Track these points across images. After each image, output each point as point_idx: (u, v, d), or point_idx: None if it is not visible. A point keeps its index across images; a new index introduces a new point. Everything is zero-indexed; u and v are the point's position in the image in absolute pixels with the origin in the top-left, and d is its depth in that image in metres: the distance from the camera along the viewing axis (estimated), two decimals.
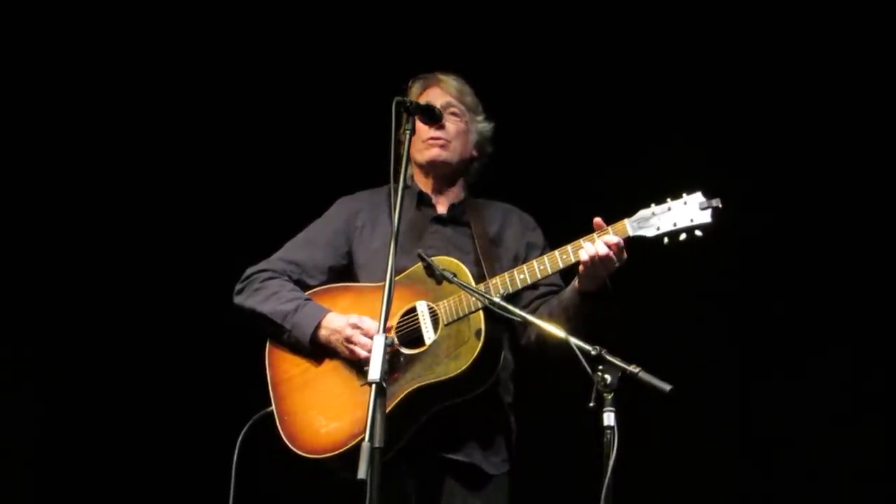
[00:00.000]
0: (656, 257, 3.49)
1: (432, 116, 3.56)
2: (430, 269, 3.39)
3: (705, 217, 3.40)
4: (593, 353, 2.98)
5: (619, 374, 2.93)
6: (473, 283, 3.56)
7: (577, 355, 3.00)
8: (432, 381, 3.53)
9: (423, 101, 3.88)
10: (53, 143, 5.54)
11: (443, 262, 3.54)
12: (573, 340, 3.05)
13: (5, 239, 5.46)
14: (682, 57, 5.21)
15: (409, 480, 3.63)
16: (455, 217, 3.93)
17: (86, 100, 5.56)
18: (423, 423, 3.57)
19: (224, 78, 5.57)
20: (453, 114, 3.94)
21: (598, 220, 3.50)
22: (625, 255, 3.48)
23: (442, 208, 3.96)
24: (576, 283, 3.59)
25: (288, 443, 3.66)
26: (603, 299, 3.56)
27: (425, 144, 3.89)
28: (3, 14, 5.34)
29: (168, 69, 5.58)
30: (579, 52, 5.32)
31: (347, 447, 3.51)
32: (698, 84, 5.17)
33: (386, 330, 3.43)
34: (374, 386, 2.93)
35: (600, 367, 2.95)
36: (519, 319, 3.30)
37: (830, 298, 5.02)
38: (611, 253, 3.44)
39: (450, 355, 3.54)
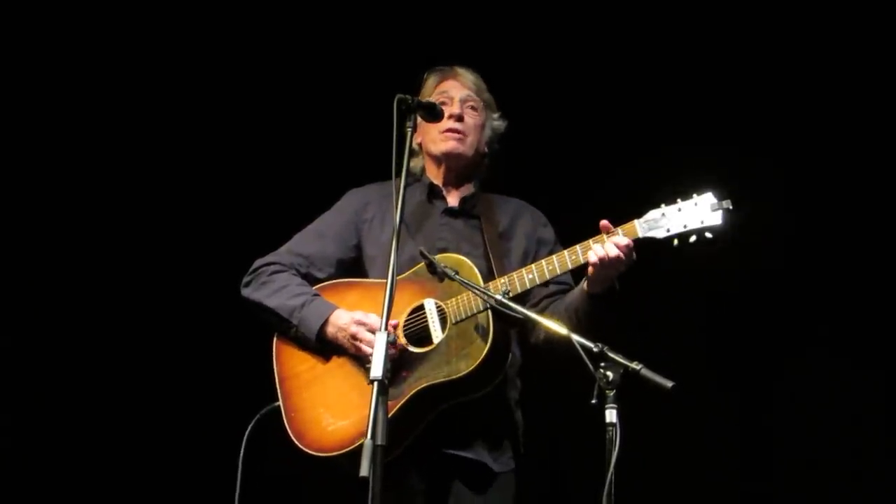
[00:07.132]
0: (660, 255, 3.46)
1: (434, 114, 3.48)
2: (431, 267, 3.38)
3: (716, 219, 3.34)
4: (595, 350, 2.97)
5: (622, 371, 2.92)
6: (480, 279, 3.53)
7: (579, 352, 2.98)
8: (441, 380, 3.50)
9: (439, 91, 3.90)
10: (63, 139, 5.58)
11: (447, 259, 3.52)
12: (575, 337, 3.03)
13: (24, 233, 5.50)
14: (695, 57, 5.19)
15: (415, 478, 3.61)
16: (466, 210, 3.90)
17: (98, 96, 5.59)
18: (431, 420, 3.54)
19: (234, 71, 5.59)
20: (472, 108, 3.91)
21: (604, 222, 3.44)
22: (634, 257, 3.43)
23: (453, 201, 3.93)
24: (584, 284, 3.55)
25: (295, 440, 3.65)
26: (611, 300, 3.52)
27: (442, 136, 3.86)
28: (3, 14, 5.36)
29: (181, 62, 5.61)
30: (592, 50, 5.30)
31: (355, 445, 3.48)
32: (711, 84, 5.15)
33: (393, 327, 3.50)
34: (375, 384, 2.91)
35: (602, 364, 2.94)
36: (521, 318, 3.28)
37: (832, 297, 5.00)
38: (620, 254, 3.39)
39: (458, 354, 3.50)
